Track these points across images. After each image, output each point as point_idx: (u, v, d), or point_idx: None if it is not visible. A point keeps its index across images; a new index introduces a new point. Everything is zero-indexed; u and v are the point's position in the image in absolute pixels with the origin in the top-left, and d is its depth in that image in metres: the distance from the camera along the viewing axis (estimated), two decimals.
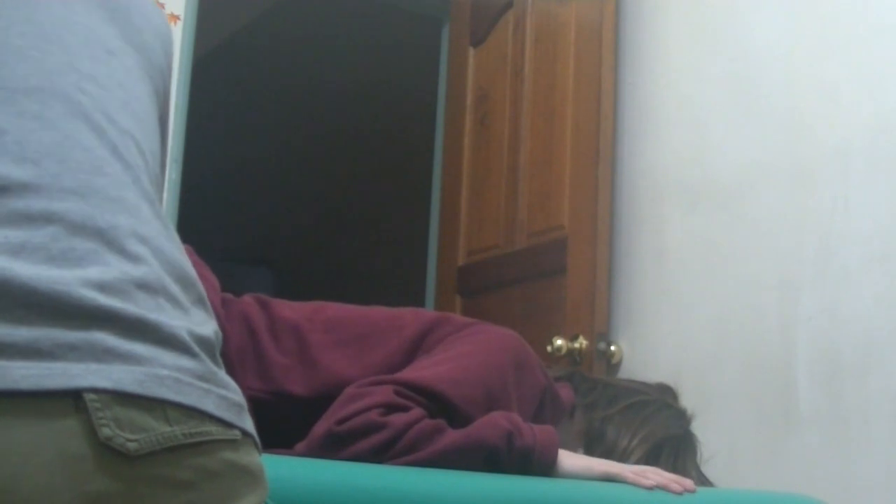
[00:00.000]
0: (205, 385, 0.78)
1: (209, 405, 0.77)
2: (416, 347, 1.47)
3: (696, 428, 1.64)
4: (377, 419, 1.28)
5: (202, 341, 0.81)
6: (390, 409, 1.30)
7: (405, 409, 1.31)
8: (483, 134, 3.05)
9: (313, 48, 4.97)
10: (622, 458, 1.50)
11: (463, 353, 1.42)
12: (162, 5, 2.71)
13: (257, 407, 1.36)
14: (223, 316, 1.41)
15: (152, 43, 0.99)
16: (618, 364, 2.53)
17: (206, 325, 0.84)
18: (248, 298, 1.49)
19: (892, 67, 2.05)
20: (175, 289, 0.83)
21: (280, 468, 1.07)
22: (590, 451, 1.53)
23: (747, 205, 2.30)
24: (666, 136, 2.56)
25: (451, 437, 1.30)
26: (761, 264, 2.24)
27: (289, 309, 1.49)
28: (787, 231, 2.20)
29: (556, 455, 1.34)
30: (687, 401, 1.68)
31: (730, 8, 2.45)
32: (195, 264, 1.40)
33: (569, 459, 1.36)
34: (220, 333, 0.86)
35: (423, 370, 1.39)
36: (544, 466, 1.33)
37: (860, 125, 2.09)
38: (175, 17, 2.72)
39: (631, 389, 1.62)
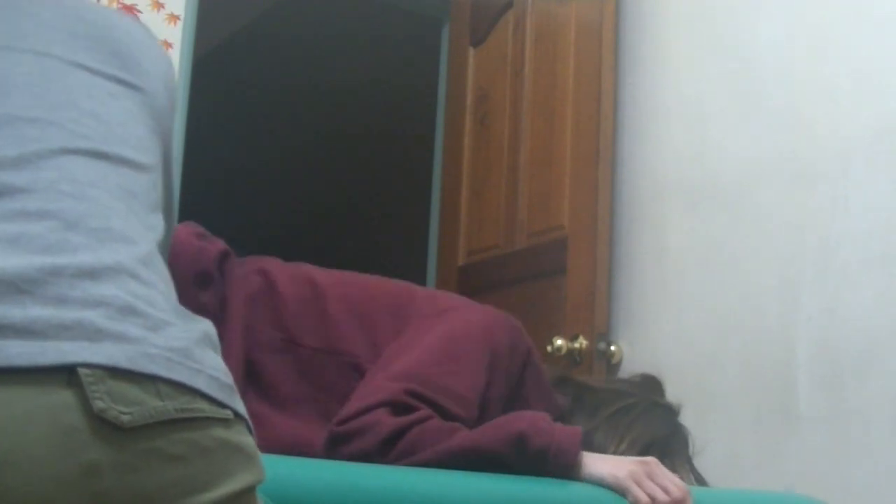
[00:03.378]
0: (195, 365, 0.80)
1: (200, 383, 0.80)
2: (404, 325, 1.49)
3: (696, 427, 1.64)
4: (379, 418, 1.28)
5: (192, 326, 0.84)
6: (397, 408, 1.30)
7: (412, 409, 1.31)
8: (483, 134, 3.05)
9: (313, 48, 4.97)
10: None
11: (443, 338, 1.43)
12: (162, 5, 2.71)
13: (257, 368, 1.39)
14: (237, 271, 1.47)
15: (157, 87, 1.04)
16: (618, 364, 2.53)
17: (196, 317, 0.87)
18: (271, 258, 1.55)
19: (892, 67, 2.05)
20: (166, 290, 0.86)
21: (280, 468, 1.07)
22: None
23: (747, 205, 2.30)
24: (666, 135, 2.56)
25: (455, 440, 1.29)
26: (761, 264, 2.24)
27: (311, 268, 1.54)
28: (787, 231, 2.20)
29: (574, 458, 1.31)
30: (687, 401, 1.68)
31: (730, 8, 2.45)
32: (202, 236, 1.46)
33: (593, 463, 1.33)
34: (211, 325, 0.88)
35: (412, 356, 1.39)
36: (562, 469, 1.31)
37: (860, 125, 2.09)
38: (175, 17, 2.72)
39: (616, 393, 1.61)
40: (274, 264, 1.52)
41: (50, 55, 0.96)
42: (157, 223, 0.94)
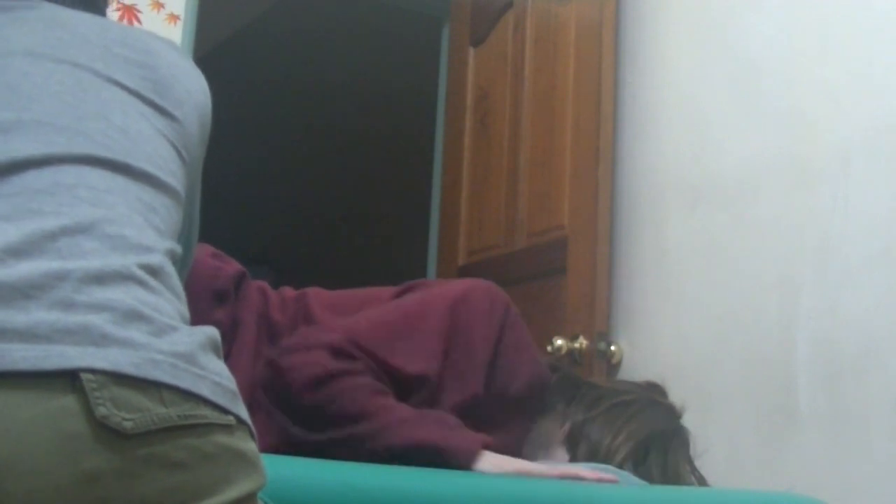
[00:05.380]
0: (200, 371, 0.80)
1: (204, 390, 0.79)
2: None
3: (697, 428, 1.64)
4: (318, 359, 1.32)
5: (197, 331, 0.84)
6: (337, 353, 1.33)
7: (351, 358, 1.33)
8: (483, 134, 3.05)
9: (313, 48, 4.97)
10: (606, 457, 1.48)
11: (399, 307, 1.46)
12: (162, 5, 2.71)
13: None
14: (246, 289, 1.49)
15: (190, 117, 1.04)
16: (618, 364, 2.53)
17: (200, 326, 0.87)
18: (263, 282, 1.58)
19: (892, 67, 2.05)
20: (173, 300, 0.86)
21: (280, 468, 1.07)
22: (574, 452, 1.52)
23: (747, 204, 2.30)
24: (666, 135, 2.56)
25: (365, 416, 1.30)
26: (761, 264, 2.24)
27: (294, 290, 1.57)
28: (787, 231, 2.20)
29: (468, 464, 1.31)
30: (687, 400, 1.68)
31: (730, 8, 2.45)
32: (217, 256, 1.49)
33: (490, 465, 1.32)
34: (215, 329, 0.88)
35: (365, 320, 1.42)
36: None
37: (860, 125, 2.09)
38: (175, 17, 2.72)
39: (615, 390, 1.60)
40: (267, 287, 1.54)
41: (86, 68, 0.96)
42: (175, 247, 0.94)
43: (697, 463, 1.59)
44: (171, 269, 0.89)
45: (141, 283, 0.83)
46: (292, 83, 5.34)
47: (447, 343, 1.43)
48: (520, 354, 1.53)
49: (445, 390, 1.42)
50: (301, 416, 1.32)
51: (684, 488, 1.49)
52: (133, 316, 0.79)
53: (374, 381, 1.33)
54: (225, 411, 0.80)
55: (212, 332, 0.86)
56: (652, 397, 1.61)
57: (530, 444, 1.55)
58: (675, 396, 1.67)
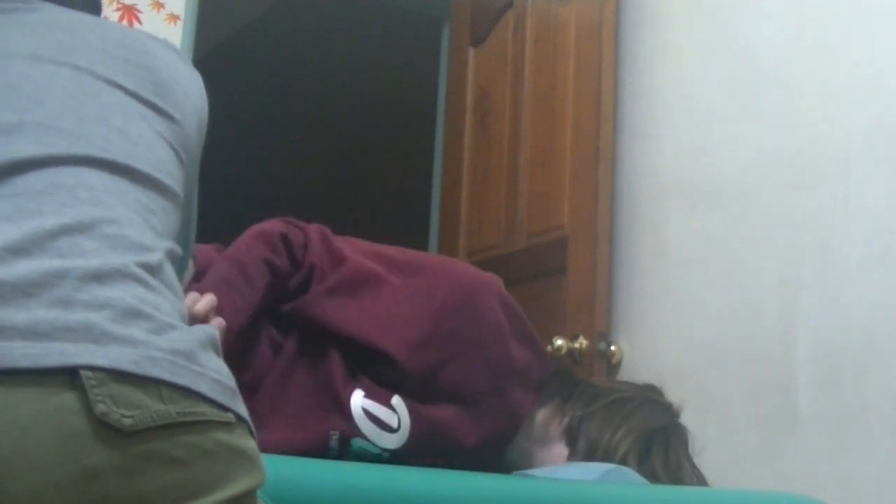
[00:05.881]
0: (199, 369, 0.81)
1: (203, 387, 0.80)
2: None
3: (696, 427, 1.64)
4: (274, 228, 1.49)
5: (197, 329, 0.85)
6: (285, 241, 1.48)
7: (289, 250, 1.47)
8: (483, 134, 3.05)
9: (313, 48, 4.97)
10: (607, 453, 1.48)
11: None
12: (162, 5, 2.71)
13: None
14: None
15: (189, 118, 1.06)
16: (618, 364, 2.53)
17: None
18: None
19: (892, 67, 2.05)
20: (173, 299, 0.87)
21: (280, 468, 1.07)
22: (573, 448, 1.52)
23: (747, 204, 2.30)
24: (666, 135, 2.56)
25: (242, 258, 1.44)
26: (761, 264, 2.24)
27: None
28: (787, 231, 2.20)
29: None
30: (687, 400, 1.68)
31: (730, 8, 2.45)
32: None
33: None
34: (214, 328, 0.89)
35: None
36: None
37: (860, 125, 2.09)
38: (175, 17, 2.72)
39: (612, 388, 1.61)
40: None
41: (87, 71, 0.97)
42: (174, 247, 0.95)
43: (696, 461, 1.59)
44: (170, 268, 0.90)
45: (140, 282, 0.83)
46: (292, 83, 5.34)
47: (393, 269, 1.51)
48: (478, 348, 1.53)
49: (363, 301, 1.48)
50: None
51: (684, 488, 1.49)
52: (132, 314, 0.80)
53: (266, 269, 1.44)
54: (224, 409, 0.81)
55: (211, 330, 0.87)
56: (649, 396, 1.61)
57: (527, 437, 1.55)
58: (676, 396, 1.67)
